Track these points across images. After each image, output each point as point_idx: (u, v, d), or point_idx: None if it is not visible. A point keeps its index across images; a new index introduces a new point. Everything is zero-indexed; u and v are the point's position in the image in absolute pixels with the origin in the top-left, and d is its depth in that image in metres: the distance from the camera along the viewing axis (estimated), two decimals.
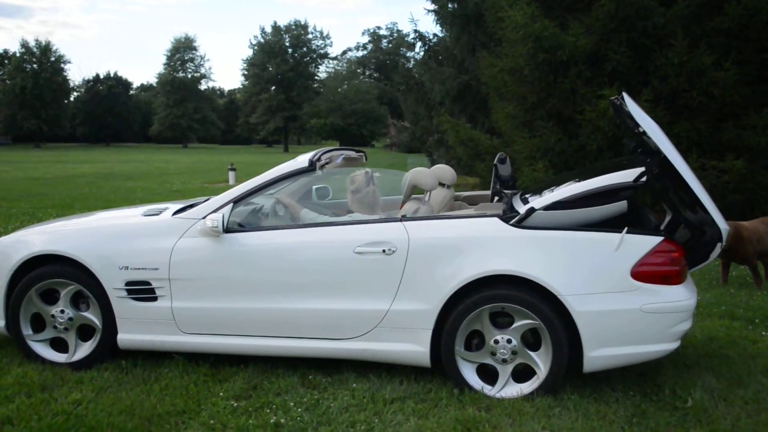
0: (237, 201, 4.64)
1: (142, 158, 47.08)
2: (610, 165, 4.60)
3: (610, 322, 4.00)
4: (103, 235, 4.78)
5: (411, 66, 28.70)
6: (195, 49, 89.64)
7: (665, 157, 4.11)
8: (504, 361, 4.17)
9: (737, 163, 9.97)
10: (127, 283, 4.58)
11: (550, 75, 11.34)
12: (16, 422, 3.83)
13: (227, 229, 4.50)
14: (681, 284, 4.09)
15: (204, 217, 4.55)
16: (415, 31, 20.87)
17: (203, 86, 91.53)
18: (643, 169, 4.15)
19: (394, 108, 67.52)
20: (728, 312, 5.98)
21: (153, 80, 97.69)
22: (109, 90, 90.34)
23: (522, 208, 4.29)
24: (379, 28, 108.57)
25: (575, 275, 4.03)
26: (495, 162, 5.75)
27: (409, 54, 58.59)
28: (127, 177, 26.52)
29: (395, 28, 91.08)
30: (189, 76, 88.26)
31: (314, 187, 5.73)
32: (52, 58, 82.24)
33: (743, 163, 9.97)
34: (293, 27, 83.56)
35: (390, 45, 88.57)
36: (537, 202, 4.24)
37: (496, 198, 5.55)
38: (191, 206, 4.89)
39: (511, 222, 4.18)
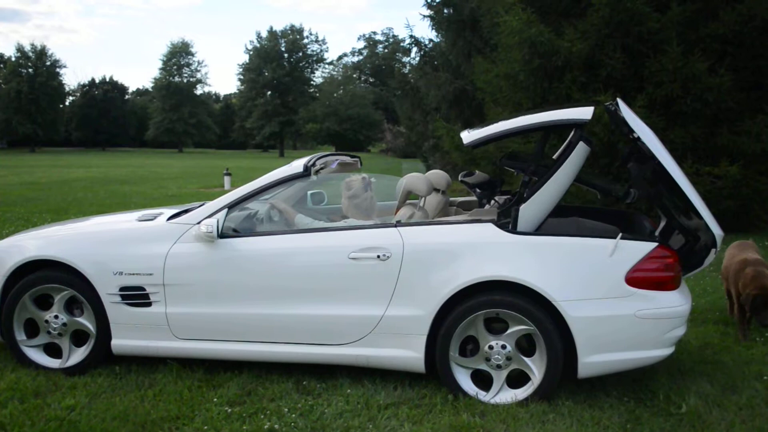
0: (232, 206, 4.63)
1: (138, 163, 47.02)
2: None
3: (605, 327, 4.00)
4: (98, 241, 4.77)
5: (407, 71, 28.68)
6: (191, 53, 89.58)
7: (659, 163, 4.12)
8: (498, 366, 4.16)
9: (732, 168, 10.00)
10: (122, 289, 4.57)
11: (545, 80, 11.37)
12: (9, 428, 3.82)
13: (222, 235, 4.50)
14: (675, 290, 4.09)
15: (198, 223, 4.55)
16: (411, 36, 21.12)
17: (199, 91, 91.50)
18: (593, 107, 4.25)
19: (389, 113, 67.68)
20: (722, 318, 5.99)
21: (149, 85, 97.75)
22: (104, 94, 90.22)
23: (467, 138, 4.40)
24: (375, 33, 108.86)
25: (570, 281, 4.03)
26: (461, 179, 5.77)
27: (405, 59, 58.69)
28: (122, 182, 26.47)
29: (391, 34, 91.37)
30: (185, 80, 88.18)
31: (309, 192, 5.73)
32: (48, 63, 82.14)
33: (738, 169, 10.00)
34: (289, 32, 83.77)
35: (386, 50, 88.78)
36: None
37: (492, 203, 5.56)
38: (186, 211, 4.89)
39: (508, 229, 4.18)
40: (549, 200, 4.23)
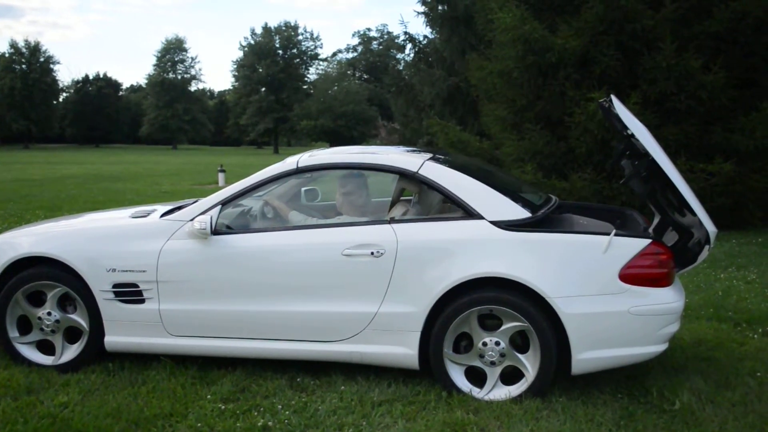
0: (225, 203, 4.62)
1: (132, 159, 46.90)
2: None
3: (599, 324, 4.01)
4: (91, 237, 4.75)
5: (401, 68, 28.64)
6: (185, 50, 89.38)
7: (653, 160, 4.13)
8: (492, 363, 4.16)
9: (725, 165, 10.02)
10: (115, 285, 4.55)
11: (539, 77, 11.37)
12: (1, 425, 3.81)
13: (215, 231, 4.48)
14: (669, 286, 4.10)
15: (192, 219, 4.53)
16: (405, 33, 20.86)
17: (193, 87, 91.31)
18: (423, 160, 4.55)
19: (384, 110, 67.47)
20: (716, 314, 6.00)
21: (143, 81, 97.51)
22: (98, 91, 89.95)
23: (303, 161, 4.66)
24: (369, 29, 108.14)
25: (563, 277, 4.03)
26: None
27: (399, 56, 58.69)
28: (116, 178, 26.40)
29: (385, 30, 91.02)
30: (179, 77, 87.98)
31: (303, 189, 5.71)
32: (42, 59, 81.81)
33: (731, 166, 10.03)
34: (283, 28, 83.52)
35: (380, 47, 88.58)
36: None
37: None
38: (179, 208, 4.88)
39: (501, 225, 4.18)
40: (473, 183, 4.38)
